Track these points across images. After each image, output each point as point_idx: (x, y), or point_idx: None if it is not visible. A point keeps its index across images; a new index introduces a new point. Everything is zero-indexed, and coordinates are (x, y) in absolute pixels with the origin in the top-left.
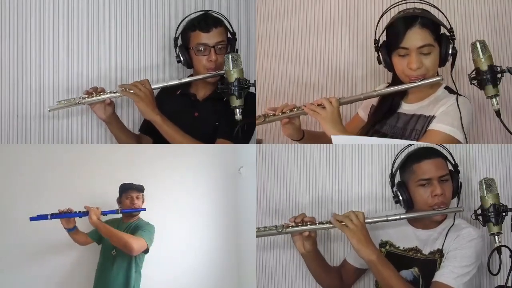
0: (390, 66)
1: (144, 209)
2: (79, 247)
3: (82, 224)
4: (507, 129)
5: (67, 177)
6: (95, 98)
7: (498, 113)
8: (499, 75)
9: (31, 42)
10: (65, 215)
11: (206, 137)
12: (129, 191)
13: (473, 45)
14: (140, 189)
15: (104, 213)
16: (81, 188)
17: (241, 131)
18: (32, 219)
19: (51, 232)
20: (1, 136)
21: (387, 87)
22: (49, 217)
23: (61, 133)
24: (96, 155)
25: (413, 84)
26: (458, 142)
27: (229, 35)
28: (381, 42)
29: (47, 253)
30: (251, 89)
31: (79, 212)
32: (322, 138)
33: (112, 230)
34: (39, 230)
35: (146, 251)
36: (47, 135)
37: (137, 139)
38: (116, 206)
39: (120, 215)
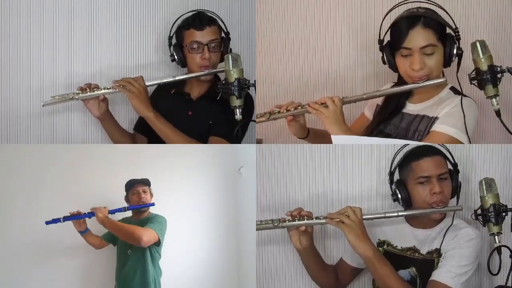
0: (394, 66)
1: (152, 204)
2: (87, 249)
3: (96, 227)
4: (507, 129)
5: (67, 177)
6: (88, 94)
7: (498, 113)
8: (499, 75)
9: (31, 42)
10: (75, 217)
11: (200, 135)
12: (135, 187)
13: (473, 45)
14: (146, 182)
15: (112, 212)
16: (81, 188)
17: (241, 131)
18: (47, 223)
19: (51, 232)
20: (1, 136)
21: (392, 87)
22: (61, 220)
23: (61, 133)
24: (96, 155)
25: (416, 85)
26: (462, 144)
27: (222, 34)
28: (385, 42)
29: (50, 253)
30: (251, 89)
31: (87, 213)
32: (327, 137)
33: (117, 223)
34: (38, 230)
35: (158, 243)
36: (47, 135)
37: (131, 138)
38: (123, 205)
39: (131, 213)
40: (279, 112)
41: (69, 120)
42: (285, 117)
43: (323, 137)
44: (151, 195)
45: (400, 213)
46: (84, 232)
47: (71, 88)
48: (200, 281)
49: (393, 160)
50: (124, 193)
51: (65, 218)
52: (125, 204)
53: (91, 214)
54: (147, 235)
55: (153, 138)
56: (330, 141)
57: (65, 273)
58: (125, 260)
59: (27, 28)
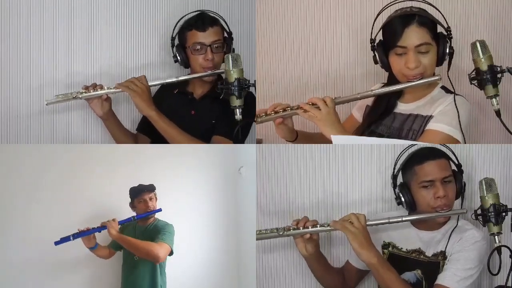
0: (386, 66)
1: (160, 210)
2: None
3: (101, 238)
4: (507, 129)
5: (67, 177)
6: (92, 93)
7: (498, 113)
8: (499, 75)
9: (31, 42)
10: (84, 233)
11: (203, 135)
12: (141, 194)
13: (473, 45)
14: (151, 189)
15: (121, 223)
16: (82, 188)
17: (243, 131)
18: (56, 243)
19: (51, 232)
20: (1, 136)
21: (382, 87)
22: (71, 238)
23: (61, 133)
24: (96, 155)
25: (411, 84)
26: (457, 141)
27: (225, 35)
28: (377, 41)
29: (51, 253)
30: (251, 89)
31: (97, 227)
32: (315, 139)
33: (133, 241)
34: (38, 230)
35: (170, 253)
36: (47, 135)
37: (134, 138)
38: (125, 206)
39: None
40: (265, 115)
41: (70, 119)
42: (273, 120)
43: (312, 140)
44: (156, 199)
45: (404, 218)
46: (94, 247)
47: (71, 88)
48: (200, 281)
49: (396, 163)
50: (128, 199)
51: (75, 236)
52: (130, 209)
53: (101, 228)
54: (162, 252)
55: (156, 138)
56: (319, 143)
57: (69, 280)
58: (132, 266)
59: (27, 28)
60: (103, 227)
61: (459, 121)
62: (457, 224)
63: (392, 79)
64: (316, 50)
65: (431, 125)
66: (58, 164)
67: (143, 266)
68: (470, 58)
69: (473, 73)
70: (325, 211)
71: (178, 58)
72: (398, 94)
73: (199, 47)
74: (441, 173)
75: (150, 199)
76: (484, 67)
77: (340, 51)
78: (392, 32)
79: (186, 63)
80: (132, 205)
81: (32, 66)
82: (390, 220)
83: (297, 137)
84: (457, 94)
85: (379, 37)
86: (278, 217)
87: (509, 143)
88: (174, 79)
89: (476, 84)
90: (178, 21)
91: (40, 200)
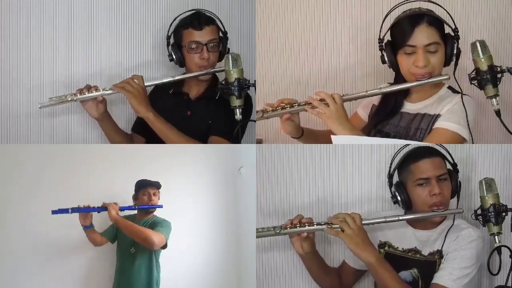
0: (394, 65)
1: (160, 206)
2: (87, 248)
3: (96, 223)
4: (507, 129)
5: (67, 177)
6: (86, 95)
7: (498, 113)
8: (499, 75)
9: (31, 42)
10: (84, 210)
11: (200, 135)
12: (147, 188)
13: (473, 45)
14: (157, 185)
15: (121, 209)
16: (81, 188)
17: (240, 131)
18: (53, 212)
19: (50, 232)
20: (1, 136)
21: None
22: (69, 210)
23: (61, 133)
24: (96, 155)
25: (420, 82)
26: (464, 140)
27: (220, 34)
28: (385, 41)
29: (50, 254)
30: (251, 89)
31: (98, 207)
32: (321, 137)
33: (131, 224)
34: (38, 230)
35: (165, 246)
36: (47, 135)
37: (129, 139)
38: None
39: (134, 212)
40: (272, 110)
41: (69, 119)
42: (280, 116)
43: (317, 137)
44: (159, 198)
45: (400, 217)
46: (88, 227)
47: (70, 87)
48: (200, 281)
49: (391, 162)
50: (132, 191)
51: (73, 210)
52: (130, 202)
53: (101, 209)
54: (158, 240)
55: (151, 138)
56: (324, 142)
57: (64, 273)
58: (128, 258)
59: (27, 28)
60: (103, 208)
61: (467, 120)
62: (453, 223)
63: (399, 79)
64: (316, 49)
65: (439, 123)
66: (58, 164)
67: (139, 258)
68: (470, 58)
69: (473, 73)
70: (324, 211)
71: (174, 57)
72: (405, 94)
73: (195, 45)
74: (436, 171)
75: (154, 194)
76: (484, 67)
77: (340, 50)
78: (402, 31)
79: (181, 62)
80: (135, 197)
81: (32, 66)
82: (387, 219)
83: (302, 134)
84: (464, 94)
85: (387, 37)
86: (278, 217)
87: (509, 143)
88: (170, 79)
89: (476, 84)
90: (174, 20)
91: (40, 200)
